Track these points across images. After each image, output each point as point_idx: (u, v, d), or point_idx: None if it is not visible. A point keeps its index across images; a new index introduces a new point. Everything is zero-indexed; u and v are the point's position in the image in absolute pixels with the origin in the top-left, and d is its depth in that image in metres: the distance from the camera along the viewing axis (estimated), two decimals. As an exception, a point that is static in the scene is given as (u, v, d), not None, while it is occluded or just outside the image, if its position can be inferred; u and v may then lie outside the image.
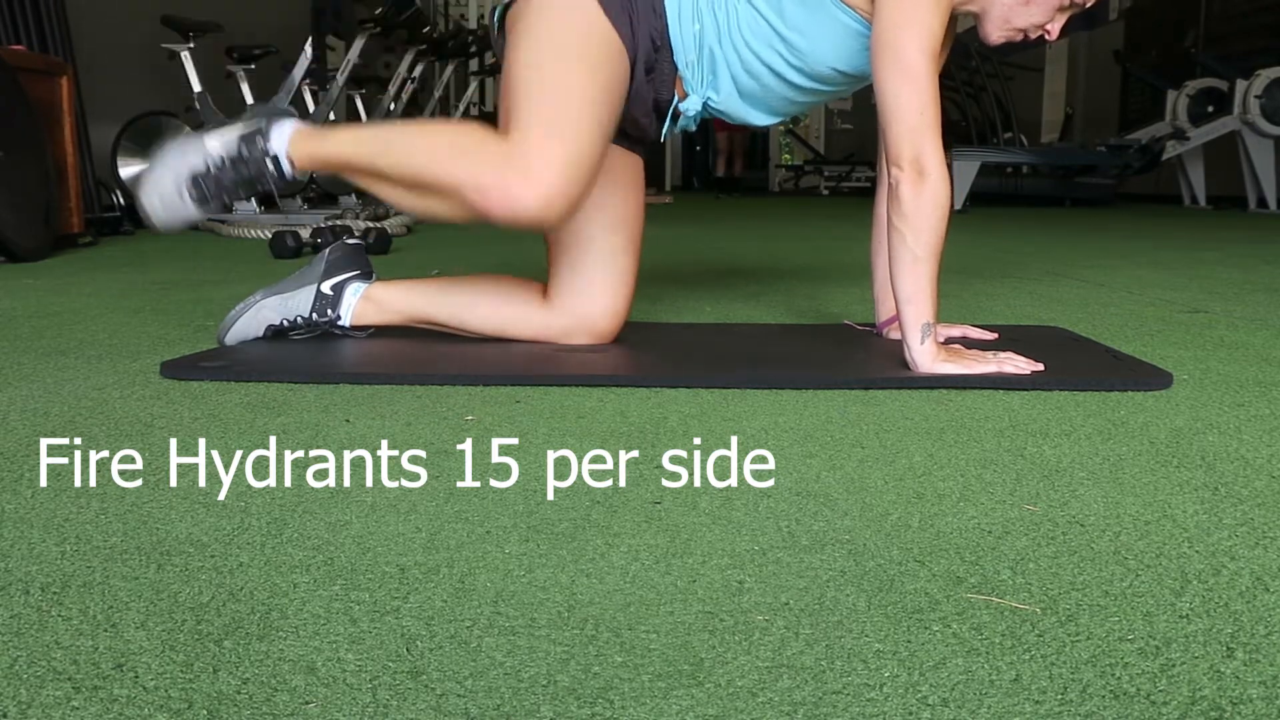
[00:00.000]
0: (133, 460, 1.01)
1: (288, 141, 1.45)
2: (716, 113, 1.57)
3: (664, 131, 1.60)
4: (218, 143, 1.44)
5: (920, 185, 1.34)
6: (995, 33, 1.45)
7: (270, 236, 3.48)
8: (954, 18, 1.49)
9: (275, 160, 1.44)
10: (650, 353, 1.55)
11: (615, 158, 1.60)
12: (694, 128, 1.63)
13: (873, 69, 1.37)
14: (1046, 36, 1.46)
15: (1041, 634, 0.65)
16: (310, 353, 1.52)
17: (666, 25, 1.46)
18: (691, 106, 1.53)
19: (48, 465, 0.99)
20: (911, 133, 1.34)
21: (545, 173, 1.32)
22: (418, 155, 1.40)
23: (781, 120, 1.64)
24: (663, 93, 1.53)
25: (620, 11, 1.43)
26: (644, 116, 1.55)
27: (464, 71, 8.78)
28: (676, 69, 1.50)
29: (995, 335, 1.67)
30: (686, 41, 1.47)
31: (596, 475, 0.98)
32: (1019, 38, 1.46)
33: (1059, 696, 0.57)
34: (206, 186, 1.44)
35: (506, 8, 1.50)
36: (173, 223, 1.46)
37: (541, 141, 1.34)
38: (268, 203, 5.37)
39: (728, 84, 1.51)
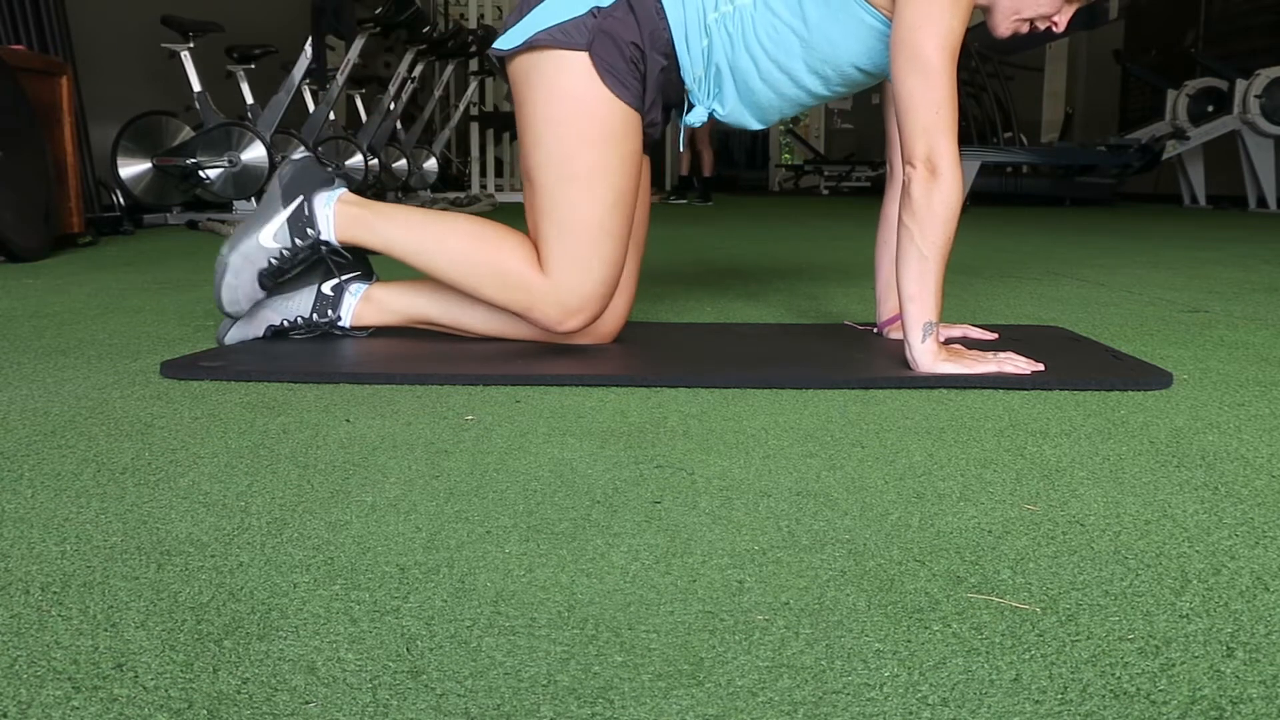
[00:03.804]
0: (133, 460, 1.01)
1: (334, 230, 1.53)
2: (721, 122, 1.58)
3: (664, 130, 1.60)
4: (270, 235, 1.53)
5: (932, 183, 1.34)
6: (1003, 24, 1.45)
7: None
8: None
9: (327, 244, 1.54)
10: (650, 353, 1.55)
11: None
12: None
13: (891, 67, 1.38)
14: (1054, 28, 1.45)
15: (1041, 634, 0.65)
16: (310, 353, 1.52)
17: (673, 46, 1.47)
18: (696, 119, 1.55)
19: (47, 465, 0.99)
20: (926, 131, 1.34)
21: (582, 310, 1.48)
22: (462, 277, 1.50)
23: (781, 122, 1.65)
24: (672, 98, 1.54)
25: (627, 74, 1.44)
26: (652, 126, 1.56)
27: (464, 71, 8.78)
28: (684, 82, 1.51)
29: (995, 335, 1.67)
30: (694, 57, 1.48)
31: (596, 475, 0.98)
32: (1026, 29, 1.46)
33: (1059, 696, 0.57)
34: (274, 275, 1.55)
35: (503, 58, 1.50)
36: (246, 308, 1.58)
37: (574, 282, 1.46)
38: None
39: (733, 96, 1.52)
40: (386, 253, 1.53)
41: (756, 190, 12.51)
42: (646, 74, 1.46)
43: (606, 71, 1.42)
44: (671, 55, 1.47)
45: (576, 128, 1.44)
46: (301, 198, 1.53)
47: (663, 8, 1.44)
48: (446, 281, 1.52)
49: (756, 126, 1.60)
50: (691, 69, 1.49)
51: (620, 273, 1.51)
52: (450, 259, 1.49)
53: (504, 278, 1.47)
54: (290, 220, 1.52)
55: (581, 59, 1.42)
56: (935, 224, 1.35)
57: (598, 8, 1.42)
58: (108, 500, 0.89)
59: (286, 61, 5.45)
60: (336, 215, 1.52)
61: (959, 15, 1.34)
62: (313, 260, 1.57)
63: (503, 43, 1.48)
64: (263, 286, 1.55)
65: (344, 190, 1.57)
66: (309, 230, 1.52)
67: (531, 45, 1.44)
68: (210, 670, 0.60)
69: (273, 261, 1.53)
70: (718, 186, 12.36)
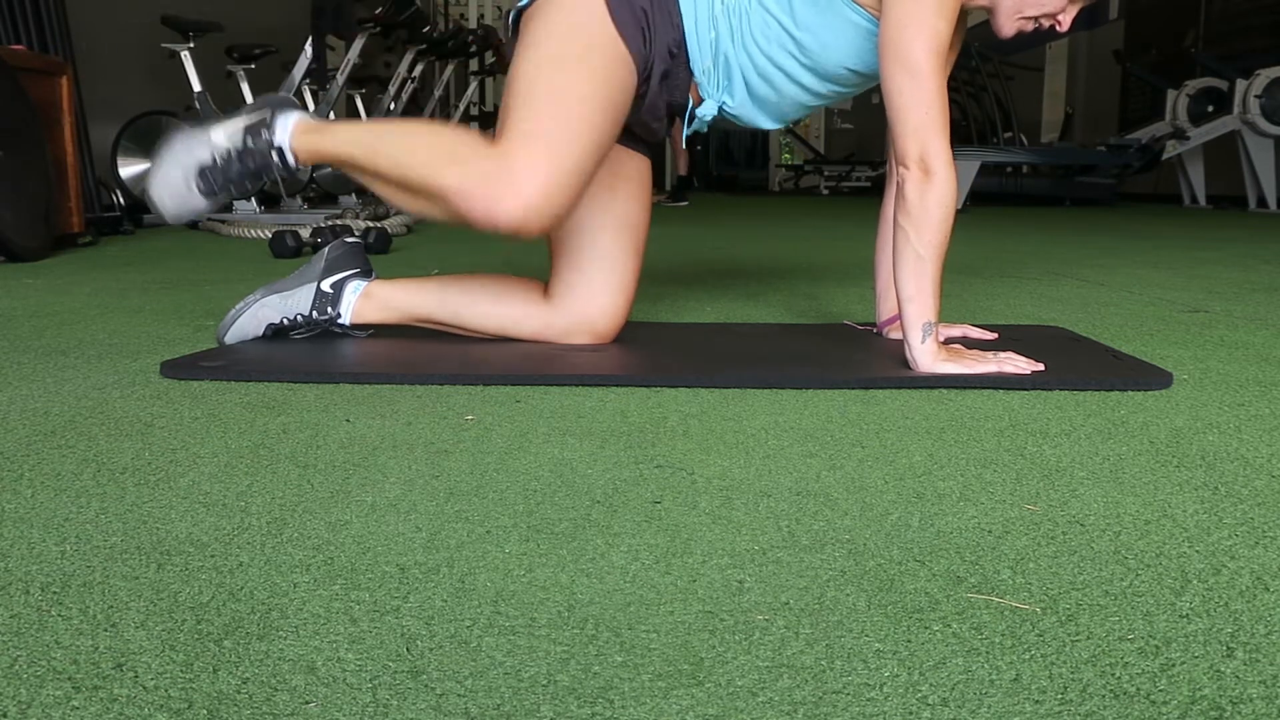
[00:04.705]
0: (133, 460, 1.01)
1: (291, 134, 1.46)
2: (731, 117, 1.58)
3: (685, 132, 1.60)
4: (223, 135, 1.46)
5: (926, 184, 1.34)
6: (1008, 24, 1.45)
7: (270, 236, 3.48)
8: (963, 15, 1.49)
9: (280, 152, 1.46)
10: (650, 353, 1.55)
11: (623, 159, 1.60)
12: (705, 129, 1.63)
13: (880, 69, 1.38)
14: (1058, 27, 1.45)
15: (1041, 634, 0.65)
16: (310, 352, 1.52)
17: (684, 34, 1.47)
18: (708, 111, 1.55)
19: (47, 465, 0.99)
20: (917, 132, 1.34)
21: (528, 185, 1.33)
22: (412, 159, 1.39)
23: (789, 123, 1.65)
24: (677, 96, 1.54)
25: (631, 24, 1.43)
26: (655, 121, 1.55)
27: (464, 71, 8.77)
28: (692, 75, 1.51)
29: (995, 335, 1.67)
30: (703, 48, 1.48)
31: (596, 475, 0.98)
32: (1030, 28, 1.46)
33: (1059, 696, 0.57)
34: (214, 179, 1.46)
35: (521, 11, 1.50)
36: (182, 215, 1.49)
37: (529, 153, 1.35)
38: (268, 202, 5.38)
39: (741, 89, 1.52)
40: (336, 156, 1.45)
41: (756, 190, 12.50)
42: (653, 41, 1.45)
43: (617, 15, 1.42)
44: (681, 44, 1.47)
45: (575, 43, 1.41)
46: (271, 110, 1.48)
47: None
48: (391, 175, 1.40)
49: (767, 125, 1.59)
50: (700, 60, 1.49)
51: (586, 179, 1.40)
52: (398, 148, 1.41)
53: (449, 151, 1.37)
54: (249, 126, 1.47)
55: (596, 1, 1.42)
56: (931, 224, 1.35)
57: None
58: (108, 500, 0.89)
59: (286, 61, 5.44)
60: (295, 125, 1.46)
61: (945, 15, 1.34)
62: (261, 176, 1.49)
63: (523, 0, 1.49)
64: (198, 188, 1.46)
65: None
66: (264, 132, 1.46)
67: None
68: (210, 670, 0.60)
69: (216, 158, 1.46)
70: (718, 186, 12.33)
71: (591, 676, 0.60)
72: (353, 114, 7.25)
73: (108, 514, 0.86)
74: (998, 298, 2.33)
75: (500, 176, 1.33)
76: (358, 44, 5.76)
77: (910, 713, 0.56)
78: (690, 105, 1.56)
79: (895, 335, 1.66)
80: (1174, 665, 0.61)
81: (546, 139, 1.35)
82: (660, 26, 1.45)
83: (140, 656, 0.61)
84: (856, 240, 4.10)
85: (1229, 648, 0.63)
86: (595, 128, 1.40)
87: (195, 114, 5.04)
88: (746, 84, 1.51)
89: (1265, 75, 6.85)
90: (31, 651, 0.62)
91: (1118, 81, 10.24)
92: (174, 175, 1.45)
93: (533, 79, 1.40)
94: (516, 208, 1.32)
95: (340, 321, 1.60)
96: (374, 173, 1.44)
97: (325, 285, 1.59)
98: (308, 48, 5.26)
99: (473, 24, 9.08)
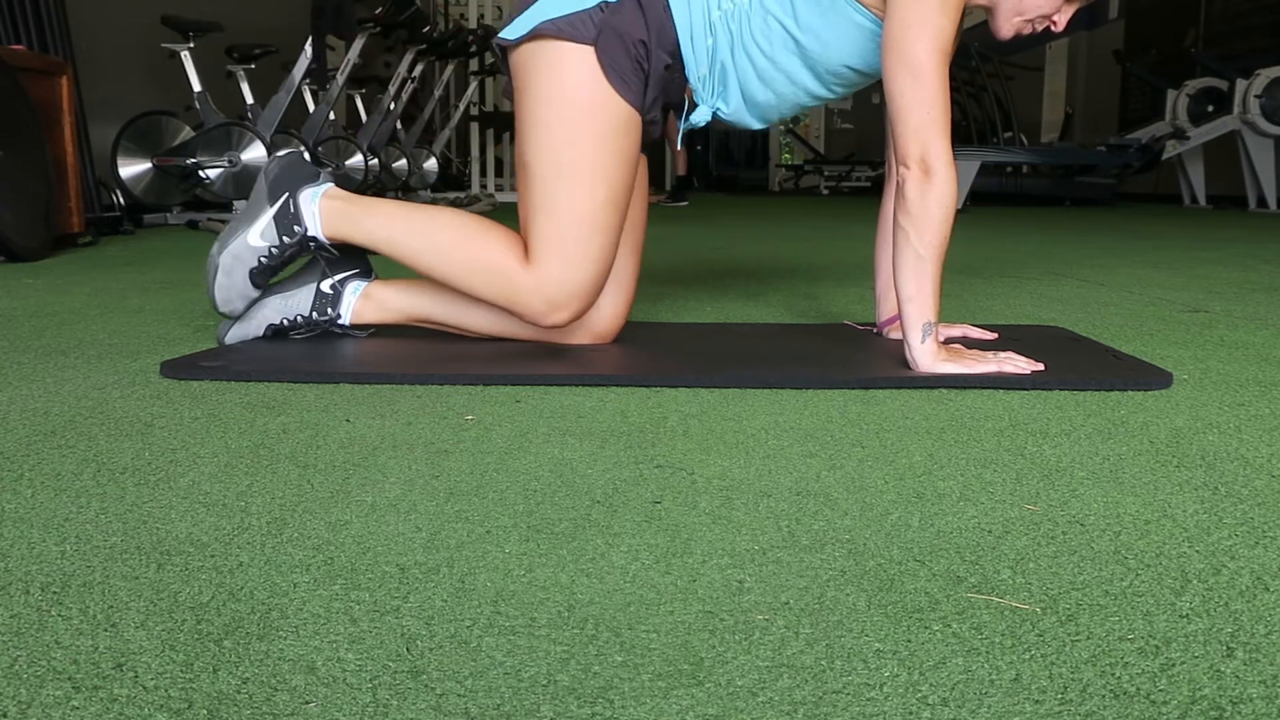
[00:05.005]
0: (133, 460, 1.01)
1: (321, 226, 1.53)
2: (724, 120, 1.58)
3: (680, 127, 1.61)
4: (257, 236, 1.54)
5: (926, 184, 1.34)
6: (1006, 25, 1.46)
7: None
8: (962, 15, 1.49)
9: (315, 240, 1.54)
10: (650, 353, 1.55)
11: None
12: (697, 128, 1.63)
13: (883, 68, 1.38)
14: (1053, 27, 1.46)
15: (1041, 634, 0.65)
16: (310, 352, 1.52)
17: (679, 44, 1.47)
18: (701, 118, 1.55)
19: (47, 465, 0.99)
20: (919, 131, 1.34)
21: (566, 306, 1.46)
22: (448, 272, 1.49)
23: (783, 122, 1.66)
24: (673, 98, 1.54)
25: (628, 69, 1.44)
26: (651, 125, 1.56)
27: (464, 71, 8.77)
28: (687, 81, 1.51)
29: (995, 335, 1.67)
30: (699, 56, 1.48)
31: (596, 475, 0.98)
32: (1028, 29, 1.47)
33: (1059, 696, 0.57)
34: (265, 273, 1.56)
35: (505, 49, 1.51)
36: (245, 307, 1.60)
37: (561, 272, 1.45)
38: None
39: (737, 95, 1.52)
40: (371, 248, 1.53)
41: (756, 190, 12.50)
42: (650, 72, 1.46)
43: (610, 68, 1.42)
44: (676, 54, 1.47)
45: (576, 120, 1.43)
46: (287, 194, 1.53)
47: (669, 6, 1.44)
48: (433, 277, 1.51)
49: (757, 126, 1.60)
50: (696, 68, 1.49)
51: (609, 270, 1.50)
52: (434, 253, 1.49)
53: (488, 271, 1.46)
54: (277, 218, 1.53)
55: (586, 53, 1.42)
56: (931, 224, 1.35)
57: (605, 3, 1.42)
58: (108, 500, 0.89)
59: (286, 61, 5.45)
60: (322, 211, 1.53)
61: (949, 15, 1.34)
62: (304, 255, 1.58)
63: (508, 32, 1.48)
64: (255, 285, 1.56)
65: (330, 185, 1.56)
66: (296, 227, 1.53)
67: (536, 34, 1.44)
68: (210, 670, 0.60)
69: (262, 260, 1.54)
70: (718, 186, 12.32)
71: (591, 676, 0.60)
72: (352, 114, 7.26)
73: (108, 514, 0.86)
74: (998, 298, 2.33)
75: (538, 301, 1.45)
76: (358, 44, 5.76)
77: (910, 713, 0.56)
78: (685, 106, 1.56)
79: (895, 335, 1.66)
80: (1174, 665, 0.61)
81: (569, 256, 1.44)
82: (656, 49, 1.45)
83: (140, 656, 0.61)
84: (856, 240, 4.10)
85: (1229, 648, 0.63)
86: (615, 223, 1.48)
87: (195, 114, 5.05)
88: (743, 89, 1.51)
89: (1265, 75, 6.85)
90: (31, 651, 0.62)
91: (1118, 81, 10.24)
92: (233, 286, 1.55)
93: (548, 183, 1.45)
94: (559, 320, 1.47)
95: (340, 322, 1.60)
96: (409, 267, 1.52)
97: (325, 286, 1.59)
98: (308, 48, 5.27)
99: (473, 24, 9.08)
